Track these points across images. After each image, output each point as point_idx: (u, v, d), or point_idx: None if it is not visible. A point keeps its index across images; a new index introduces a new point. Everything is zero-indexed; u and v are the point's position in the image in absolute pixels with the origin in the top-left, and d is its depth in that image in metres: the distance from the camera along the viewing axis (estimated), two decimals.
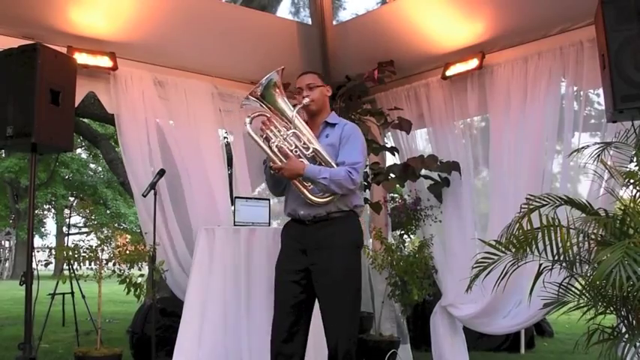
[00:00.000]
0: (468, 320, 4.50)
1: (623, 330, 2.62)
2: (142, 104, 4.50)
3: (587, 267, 2.73)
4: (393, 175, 4.64)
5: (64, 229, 25.91)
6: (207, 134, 4.82)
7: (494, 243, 2.83)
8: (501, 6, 4.21)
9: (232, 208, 4.49)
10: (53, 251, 4.98)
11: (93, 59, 4.21)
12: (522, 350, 5.77)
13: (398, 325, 5.07)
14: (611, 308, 2.64)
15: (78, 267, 4.40)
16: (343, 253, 2.99)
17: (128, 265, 4.18)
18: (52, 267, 15.46)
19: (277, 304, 3.09)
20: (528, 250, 2.72)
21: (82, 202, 25.43)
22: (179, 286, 4.48)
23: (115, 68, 4.31)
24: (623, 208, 2.76)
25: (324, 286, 2.98)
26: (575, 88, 4.06)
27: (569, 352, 5.50)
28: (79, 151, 22.40)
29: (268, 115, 3.03)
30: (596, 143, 3.11)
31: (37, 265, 3.63)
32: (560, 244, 2.66)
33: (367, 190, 4.99)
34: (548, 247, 2.68)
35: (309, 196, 2.96)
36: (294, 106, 3.06)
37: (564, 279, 2.82)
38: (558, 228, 2.66)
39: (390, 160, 5.39)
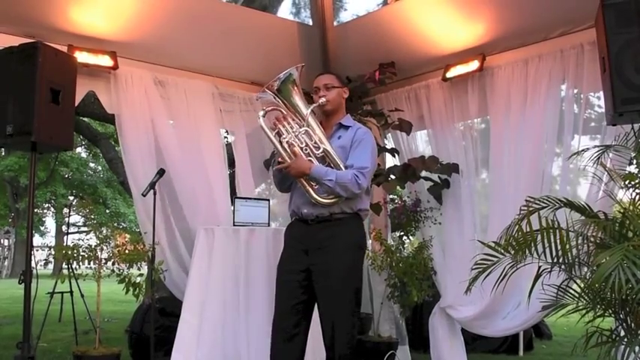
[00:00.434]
0: (467, 322, 4.50)
1: (622, 333, 2.61)
2: (142, 104, 4.50)
3: (586, 269, 2.73)
4: (393, 177, 4.64)
5: (64, 228, 25.93)
6: (208, 134, 4.82)
7: (493, 245, 2.82)
8: (502, 8, 4.22)
9: (232, 208, 4.49)
10: (52, 250, 4.98)
11: (93, 58, 4.21)
12: (521, 352, 5.77)
13: (397, 327, 5.07)
14: (610, 311, 2.64)
15: (77, 266, 4.40)
16: (344, 255, 2.98)
17: (127, 264, 4.17)
18: (51, 266, 15.46)
19: (278, 305, 3.08)
20: (527, 252, 2.71)
21: (82, 202, 25.40)
22: (177, 286, 4.47)
23: (115, 67, 4.30)
24: (622, 210, 2.76)
25: (323, 288, 2.97)
26: (575, 91, 4.06)
27: (567, 355, 5.50)
28: (78, 150, 22.38)
29: (283, 110, 3.02)
30: (595, 146, 3.11)
31: (36, 264, 3.62)
32: (559, 247, 2.66)
33: None
34: (548, 250, 2.68)
35: (314, 195, 2.96)
36: (310, 104, 3.06)
37: (563, 281, 2.82)
38: (557, 230, 2.66)
39: (390, 161, 5.39)
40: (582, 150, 3.21)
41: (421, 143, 5.12)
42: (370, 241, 5.25)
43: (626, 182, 2.82)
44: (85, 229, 27.40)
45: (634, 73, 2.94)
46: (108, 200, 22.42)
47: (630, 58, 2.94)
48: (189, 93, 4.77)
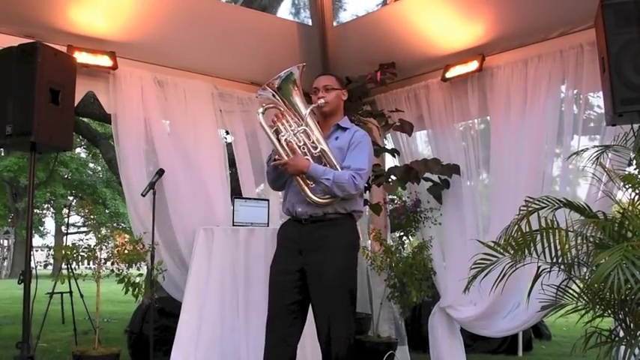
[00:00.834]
0: (468, 322, 4.49)
1: (621, 333, 2.61)
2: (141, 104, 4.49)
3: (585, 270, 2.73)
4: (393, 177, 4.64)
5: (63, 228, 25.92)
6: (207, 134, 4.82)
7: (492, 244, 2.82)
8: (501, 8, 4.22)
9: (231, 208, 4.49)
10: (52, 251, 4.97)
11: (93, 58, 4.21)
12: (520, 353, 5.77)
13: (396, 327, 5.07)
14: (609, 311, 2.64)
15: (76, 266, 4.40)
16: (338, 255, 2.98)
17: (126, 264, 4.17)
18: (50, 267, 15.46)
19: (272, 305, 3.08)
20: (527, 252, 2.72)
21: (81, 202, 25.39)
22: (175, 287, 4.47)
23: (115, 67, 4.30)
24: (621, 211, 2.76)
25: (318, 288, 2.98)
26: (575, 91, 4.06)
27: (566, 355, 5.50)
28: (78, 150, 22.37)
29: (281, 109, 3.03)
30: (595, 146, 3.11)
31: (35, 264, 3.63)
32: (558, 247, 2.66)
33: (367, 192, 5.00)
34: (547, 250, 2.68)
35: (310, 194, 2.96)
36: (309, 104, 3.07)
37: (562, 281, 2.82)
38: (557, 230, 2.66)
39: (389, 161, 5.39)
40: (582, 150, 3.21)
41: (420, 143, 5.12)
42: (370, 241, 5.25)
43: (625, 183, 2.82)
44: (85, 229, 27.40)
45: (633, 73, 2.94)
46: (107, 200, 22.43)
47: (630, 59, 2.95)
48: (189, 93, 4.77)
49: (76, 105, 3.79)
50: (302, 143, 2.99)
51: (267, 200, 4.47)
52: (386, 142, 5.41)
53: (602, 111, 3.38)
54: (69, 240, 19.55)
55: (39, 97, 3.28)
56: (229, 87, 5.06)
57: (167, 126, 4.72)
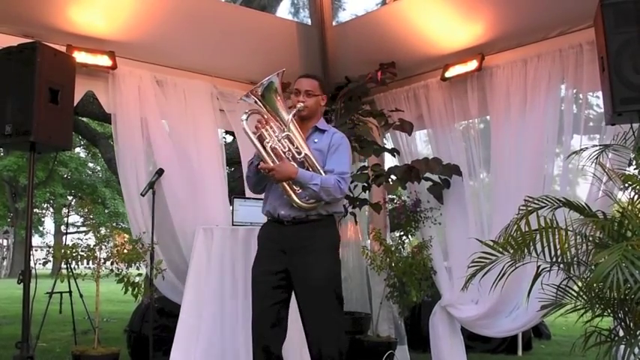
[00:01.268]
0: (470, 322, 4.49)
1: (621, 332, 2.61)
2: (140, 103, 4.49)
3: (584, 269, 2.73)
4: (394, 177, 4.64)
5: (63, 228, 25.92)
6: (206, 134, 4.81)
7: (491, 243, 2.82)
8: (501, 8, 4.21)
9: (231, 208, 4.49)
10: (51, 250, 4.97)
11: (92, 58, 4.21)
12: (520, 352, 5.77)
13: (395, 327, 5.07)
14: (609, 310, 2.64)
15: (75, 266, 4.40)
16: (323, 256, 3.02)
17: (126, 264, 4.17)
18: (49, 265, 15.45)
19: (256, 305, 3.10)
20: (526, 251, 2.72)
21: (81, 201, 25.38)
22: (173, 288, 4.47)
23: (114, 67, 4.30)
24: (621, 210, 2.76)
25: (305, 290, 3.01)
26: (574, 91, 4.06)
27: (566, 355, 5.50)
28: (77, 150, 22.38)
29: (265, 116, 3.05)
30: (594, 146, 3.11)
31: (35, 263, 3.63)
32: (558, 246, 2.66)
33: (367, 192, 5.00)
34: (546, 249, 2.68)
35: (296, 199, 2.98)
36: (290, 108, 3.09)
37: (562, 281, 2.82)
38: (556, 230, 2.66)
39: (389, 161, 5.39)
40: (581, 149, 3.21)
41: (420, 143, 5.12)
42: (369, 240, 5.25)
43: (625, 182, 2.82)
44: (84, 229, 27.38)
45: (633, 72, 2.95)
46: (107, 200, 22.42)
47: (629, 58, 2.95)
48: (188, 93, 4.76)
49: (75, 105, 3.79)
50: (287, 149, 3.01)
51: None
52: (385, 141, 5.41)
53: (602, 110, 3.37)
54: (68, 240, 19.55)
55: (38, 97, 3.28)
56: (229, 87, 5.05)
57: (166, 126, 4.71)
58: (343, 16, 11.65)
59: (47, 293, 4.91)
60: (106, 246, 4.26)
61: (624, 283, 2.19)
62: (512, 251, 2.73)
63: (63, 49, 3.95)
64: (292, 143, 3.02)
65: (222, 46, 4.80)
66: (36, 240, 29.37)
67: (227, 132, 5.40)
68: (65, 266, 4.61)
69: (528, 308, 3.53)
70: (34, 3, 3.93)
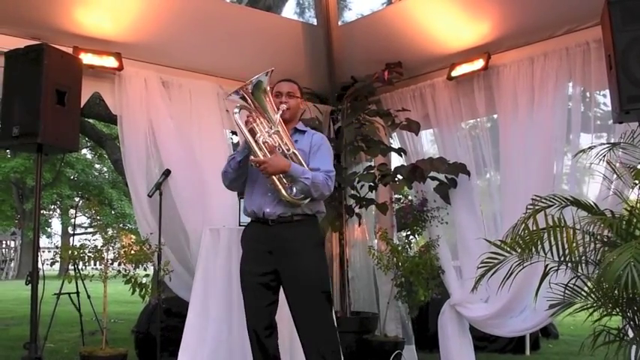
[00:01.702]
0: (480, 322, 4.47)
1: (630, 331, 2.60)
2: (147, 104, 4.50)
3: (592, 268, 2.72)
4: (400, 177, 4.63)
5: (70, 229, 26.01)
6: (213, 135, 4.81)
7: (499, 243, 2.81)
8: (507, 6, 4.20)
9: (237, 208, 4.48)
10: (59, 251, 4.98)
11: (99, 59, 4.21)
12: (527, 352, 5.75)
13: (403, 326, 5.06)
14: (617, 309, 2.62)
15: (83, 267, 4.41)
16: (310, 255, 3.06)
17: (133, 265, 4.18)
18: (57, 267, 15.50)
19: (249, 307, 3.14)
20: (534, 250, 2.71)
21: (88, 202, 25.46)
22: (182, 287, 4.47)
23: (120, 69, 4.31)
24: (629, 208, 2.74)
25: (296, 292, 3.04)
26: (581, 89, 4.05)
27: (574, 354, 5.48)
28: (84, 151, 22.46)
29: (254, 113, 3.07)
30: (602, 144, 3.09)
31: (42, 264, 3.64)
32: (565, 245, 2.65)
33: (374, 192, 4.99)
34: (554, 248, 2.67)
35: (284, 193, 2.98)
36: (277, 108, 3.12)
37: (570, 280, 2.80)
38: (564, 228, 2.65)
39: (395, 160, 5.38)
40: (589, 148, 3.19)
41: (426, 142, 5.12)
42: (376, 240, 5.24)
43: (634, 180, 2.81)
44: (91, 230, 27.47)
45: None
46: (113, 201, 22.50)
47: (636, 56, 2.94)
48: (194, 93, 4.77)
49: (82, 106, 3.80)
50: (277, 144, 3.03)
51: None
52: (392, 141, 5.40)
53: (610, 108, 3.36)
54: (75, 241, 19.63)
55: (45, 99, 3.29)
56: (235, 87, 5.01)
57: (173, 126, 4.72)
58: (349, 15, 11.68)
59: (55, 294, 4.93)
60: (113, 247, 4.27)
61: (635, 283, 2.18)
62: (519, 250, 2.72)
63: (70, 50, 3.96)
64: (282, 139, 3.06)
65: (227, 46, 4.80)
66: (43, 241, 29.57)
67: (233, 132, 5.38)
68: (73, 267, 4.63)
69: (537, 307, 3.51)
70: (40, 5, 3.94)
